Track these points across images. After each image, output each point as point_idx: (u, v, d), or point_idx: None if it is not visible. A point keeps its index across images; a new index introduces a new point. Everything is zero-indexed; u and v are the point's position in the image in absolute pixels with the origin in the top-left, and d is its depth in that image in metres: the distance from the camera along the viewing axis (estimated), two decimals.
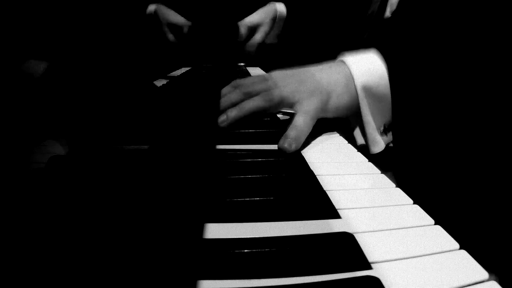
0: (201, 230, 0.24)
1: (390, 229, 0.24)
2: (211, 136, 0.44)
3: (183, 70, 1.07)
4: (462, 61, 0.43)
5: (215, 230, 0.24)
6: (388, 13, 0.74)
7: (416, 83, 0.44)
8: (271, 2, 1.05)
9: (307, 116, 0.42)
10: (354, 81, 0.45)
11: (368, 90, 0.44)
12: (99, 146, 0.38)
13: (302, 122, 0.41)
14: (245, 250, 0.21)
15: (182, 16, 1.06)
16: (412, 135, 0.44)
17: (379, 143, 0.46)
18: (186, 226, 0.24)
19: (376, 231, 0.25)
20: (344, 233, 0.23)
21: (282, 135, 0.40)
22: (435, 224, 0.25)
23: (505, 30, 0.43)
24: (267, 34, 1.05)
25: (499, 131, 0.43)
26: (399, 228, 0.25)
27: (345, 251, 0.22)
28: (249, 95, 0.46)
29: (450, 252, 0.22)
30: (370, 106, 0.45)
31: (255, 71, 1.13)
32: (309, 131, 0.42)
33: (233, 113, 0.44)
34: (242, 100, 0.46)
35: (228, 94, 0.48)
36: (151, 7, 1.04)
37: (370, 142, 0.47)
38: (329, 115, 0.45)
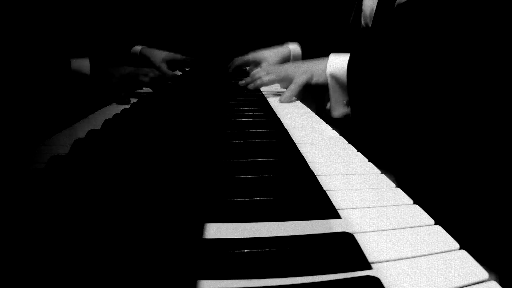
0: (201, 230, 0.24)
1: (390, 229, 0.24)
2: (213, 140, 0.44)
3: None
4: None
5: (215, 230, 0.24)
6: (367, 21, 0.86)
7: (366, 74, 0.69)
8: (286, 44, 1.14)
9: (296, 84, 0.76)
10: (326, 70, 0.75)
11: (333, 76, 0.74)
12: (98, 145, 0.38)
13: (294, 87, 0.77)
14: (245, 250, 0.21)
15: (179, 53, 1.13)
16: (365, 110, 0.70)
17: (337, 110, 0.74)
18: (186, 226, 0.24)
19: (376, 231, 0.25)
20: (344, 233, 0.23)
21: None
22: (435, 224, 0.25)
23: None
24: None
25: (499, 132, 0.43)
26: (399, 228, 0.25)
27: (345, 251, 0.22)
28: (266, 73, 0.84)
29: (450, 252, 0.22)
30: (333, 87, 0.74)
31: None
32: (297, 93, 0.77)
33: (258, 81, 0.83)
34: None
35: (253, 72, 0.87)
36: (136, 48, 1.10)
37: (331, 109, 0.75)
38: (312, 83, 0.76)
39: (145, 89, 0.87)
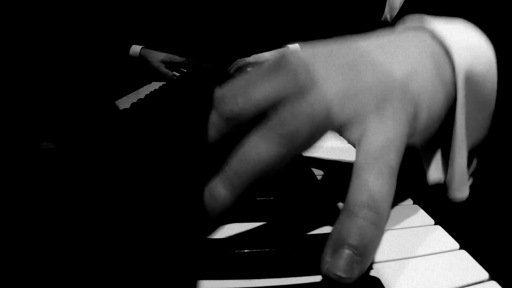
0: (201, 230, 0.24)
1: (390, 229, 0.24)
2: None
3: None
4: None
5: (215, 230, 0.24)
6: (386, 17, 0.73)
7: None
8: (286, 46, 1.11)
9: (385, 165, 0.20)
10: (454, 66, 0.24)
11: (471, 84, 0.25)
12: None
13: (379, 186, 0.20)
14: (245, 250, 0.21)
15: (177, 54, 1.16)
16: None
17: (465, 181, 0.27)
18: (186, 226, 0.24)
19: None
20: None
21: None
22: (435, 224, 0.25)
23: None
24: None
25: (499, 132, 0.42)
26: (399, 228, 0.25)
27: None
28: (239, 117, 0.23)
29: (450, 252, 0.22)
30: (468, 114, 0.25)
31: None
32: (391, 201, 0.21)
33: (217, 200, 0.21)
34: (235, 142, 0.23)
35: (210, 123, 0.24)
36: (135, 49, 1.09)
37: (456, 181, 0.26)
38: (416, 141, 0.24)
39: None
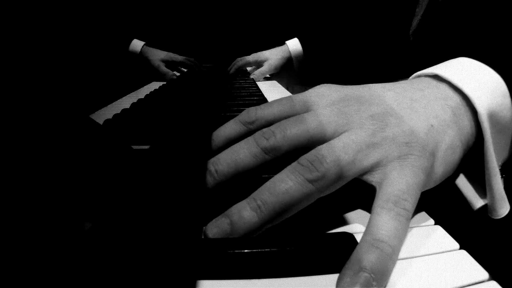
0: (201, 230, 0.24)
1: None
2: None
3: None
4: None
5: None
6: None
7: None
8: (285, 43, 1.12)
9: (403, 208, 0.22)
10: (476, 111, 0.27)
11: (493, 119, 0.27)
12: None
13: (395, 226, 0.22)
14: (245, 250, 0.21)
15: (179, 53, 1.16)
16: None
17: (504, 199, 0.28)
18: (186, 226, 0.24)
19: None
20: (344, 233, 0.23)
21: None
22: (435, 224, 0.25)
23: None
24: (276, 68, 1.12)
25: None
26: None
27: (346, 251, 0.22)
28: (276, 151, 0.26)
29: (450, 252, 0.22)
30: (495, 144, 0.28)
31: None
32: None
33: (241, 225, 0.23)
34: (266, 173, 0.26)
35: (232, 148, 0.27)
36: (136, 46, 1.08)
37: (496, 201, 0.28)
38: (431, 186, 0.26)
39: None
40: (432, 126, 0.26)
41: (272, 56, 1.10)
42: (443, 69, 0.29)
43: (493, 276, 0.20)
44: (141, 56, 1.07)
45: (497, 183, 0.28)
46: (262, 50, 1.12)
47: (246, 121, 0.30)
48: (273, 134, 0.26)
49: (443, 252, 0.22)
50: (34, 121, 0.29)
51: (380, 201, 0.23)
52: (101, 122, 0.47)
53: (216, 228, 0.23)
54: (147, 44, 1.08)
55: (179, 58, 1.11)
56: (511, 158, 0.30)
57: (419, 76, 0.31)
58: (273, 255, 0.21)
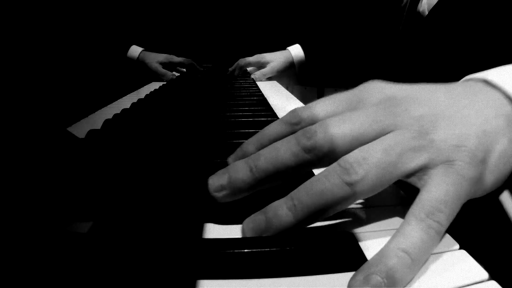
0: (201, 230, 0.24)
1: (390, 229, 0.24)
2: None
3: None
4: None
5: (214, 230, 0.24)
6: (424, 8, 0.68)
7: None
8: (288, 48, 1.13)
9: (436, 221, 0.21)
10: None
11: None
12: None
13: (423, 239, 0.21)
14: (245, 250, 0.21)
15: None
16: None
17: None
18: (186, 226, 0.24)
19: (375, 231, 0.25)
20: (344, 232, 0.23)
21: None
22: None
23: None
24: (278, 71, 1.13)
25: None
26: (398, 229, 0.25)
27: (346, 250, 0.22)
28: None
29: (450, 252, 0.22)
30: None
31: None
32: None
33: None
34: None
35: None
36: (134, 52, 1.08)
37: None
38: (478, 196, 0.25)
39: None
40: (484, 131, 0.24)
41: (275, 60, 1.10)
42: (496, 75, 0.27)
43: (493, 276, 0.20)
44: (138, 62, 1.07)
45: None
46: (262, 53, 1.13)
47: (291, 122, 0.28)
48: (315, 133, 0.25)
49: (442, 252, 0.22)
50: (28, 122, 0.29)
51: (414, 208, 0.22)
52: (101, 122, 0.46)
53: (252, 223, 0.23)
54: (145, 49, 1.08)
55: (176, 59, 1.11)
56: None
57: (471, 80, 0.29)
58: (273, 255, 0.21)
